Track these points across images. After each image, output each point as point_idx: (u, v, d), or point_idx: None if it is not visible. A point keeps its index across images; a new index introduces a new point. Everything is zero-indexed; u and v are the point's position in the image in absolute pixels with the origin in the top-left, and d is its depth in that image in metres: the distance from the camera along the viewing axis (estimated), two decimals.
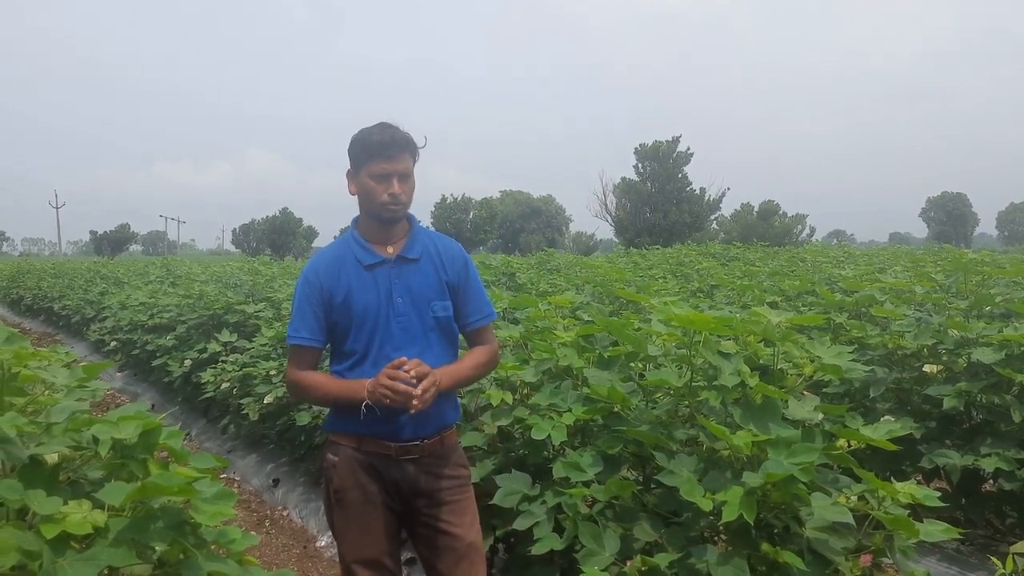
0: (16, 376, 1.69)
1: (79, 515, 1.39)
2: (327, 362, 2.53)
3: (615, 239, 50.92)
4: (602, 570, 2.24)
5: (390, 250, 2.36)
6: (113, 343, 9.20)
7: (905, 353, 3.74)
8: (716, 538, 2.43)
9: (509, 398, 3.04)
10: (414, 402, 2.11)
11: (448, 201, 64.19)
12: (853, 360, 2.65)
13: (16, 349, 1.66)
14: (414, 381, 2.13)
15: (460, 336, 2.51)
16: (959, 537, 2.28)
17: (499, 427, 3.03)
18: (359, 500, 2.34)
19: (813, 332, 3.81)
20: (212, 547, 1.62)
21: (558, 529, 2.47)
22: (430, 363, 2.25)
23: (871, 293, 4.34)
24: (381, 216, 2.33)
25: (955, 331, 3.64)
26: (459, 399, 2.66)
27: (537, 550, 2.42)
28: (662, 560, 2.16)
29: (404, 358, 2.18)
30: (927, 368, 3.58)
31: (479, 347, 2.46)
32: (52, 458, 1.57)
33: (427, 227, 2.55)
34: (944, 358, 3.62)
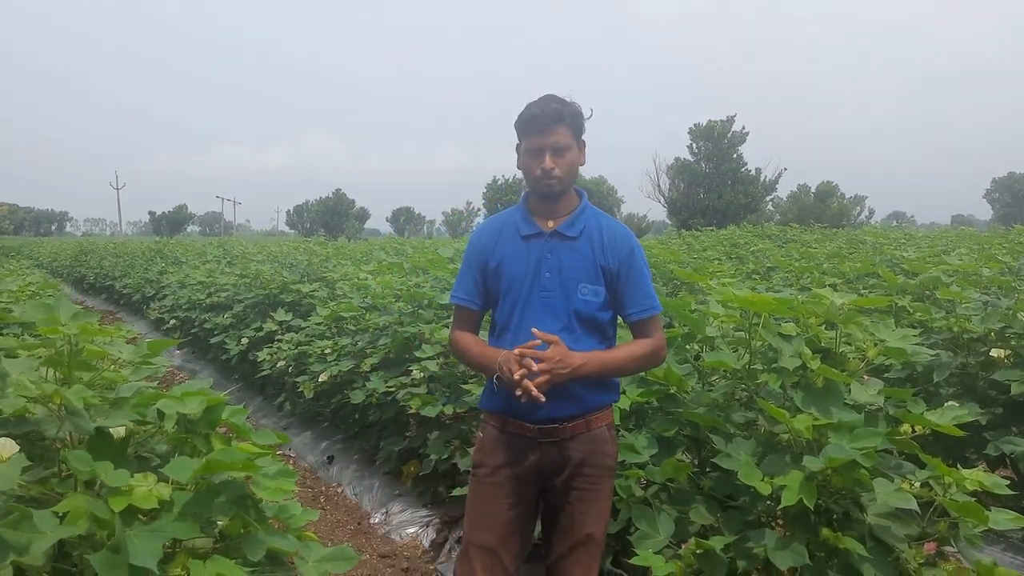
0: (83, 351, 1.72)
1: (145, 488, 1.42)
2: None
3: (667, 221, 50.28)
4: (656, 553, 2.23)
5: (550, 224, 2.31)
6: (172, 321, 9.41)
7: (971, 337, 3.63)
8: (773, 523, 2.40)
9: None
10: (518, 392, 2.06)
11: (499, 182, 64.01)
12: (918, 344, 2.57)
13: (83, 325, 1.70)
14: (533, 367, 2.06)
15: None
16: None
17: None
18: (490, 483, 2.30)
19: (875, 315, 3.71)
20: (271, 522, 1.65)
21: (611, 511, 2.46)
22: (568, 346, 2.17)
23: (936, 275, 4.21)
24: (537, 190, 2.30)
25: None
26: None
27: None
28: (718, 543, 2.14)
29: (537, 339, 2.11)
30: (994, 353, 3.47)
31: (640, 339, 2.33)
32: (119, 432, 1.60)
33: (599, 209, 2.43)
34: (1012, 342, 3.51)
